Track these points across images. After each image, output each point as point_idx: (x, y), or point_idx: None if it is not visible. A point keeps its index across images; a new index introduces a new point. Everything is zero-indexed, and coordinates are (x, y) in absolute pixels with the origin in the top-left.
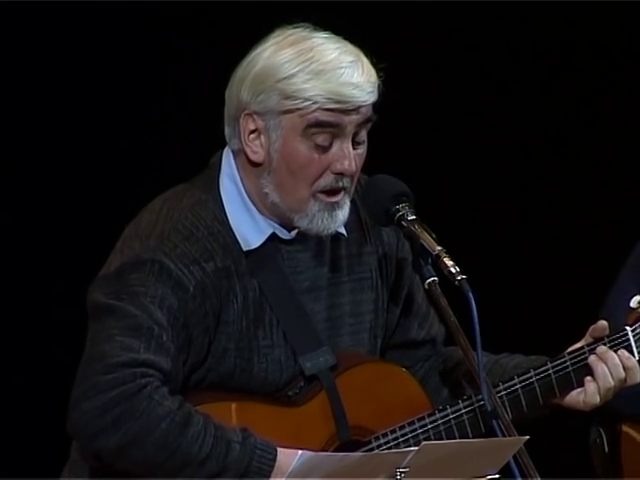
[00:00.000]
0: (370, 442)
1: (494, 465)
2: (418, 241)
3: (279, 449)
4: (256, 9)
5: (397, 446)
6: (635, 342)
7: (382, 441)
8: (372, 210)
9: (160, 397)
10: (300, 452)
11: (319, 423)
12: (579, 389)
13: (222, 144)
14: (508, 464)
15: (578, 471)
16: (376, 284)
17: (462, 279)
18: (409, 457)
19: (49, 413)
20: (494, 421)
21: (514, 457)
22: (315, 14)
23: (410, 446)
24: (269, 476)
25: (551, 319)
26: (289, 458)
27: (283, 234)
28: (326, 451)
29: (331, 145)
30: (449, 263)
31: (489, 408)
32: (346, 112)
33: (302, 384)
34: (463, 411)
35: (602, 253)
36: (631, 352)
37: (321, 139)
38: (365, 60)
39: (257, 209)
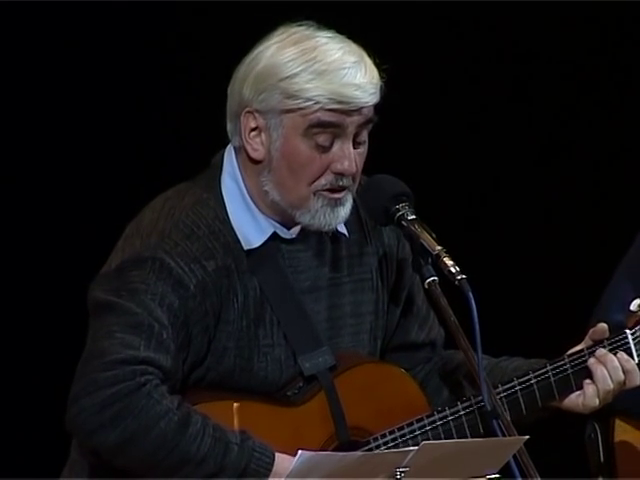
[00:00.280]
0: (369, 443)
1: (494, 465)
2: (418, 241)
3: (277, 453)
4: (260, 6)
5: (395, 447)
6: (635, 345)
7: (380, 442)
8: (372, 210)
9: (159, 395)
10: (300, 452)
11: (318, 423)
12: (578, 392)
13: (224, 143)
14: (508, 464)
15: (578, 471)
16: (376, 285)
17: (462, 279)
18: (409, 457)
19: (49, 413)
20: (494, 421)
21: (514, 457)
22: (318, 13)
23: (408, 447)
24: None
25: (551, 319)
26: (286, 462)
27: (284, 233)
28: (325, 451)
29: (332, 145)
30: (449, 263)
31: (489, 408)
32: (348, 113)
33: (301, 384)
34: (462, 413)
35: (603, 255)
36: (630, 355)
37: (322, 139)
38: (368, 61)
39: (258, 208)
